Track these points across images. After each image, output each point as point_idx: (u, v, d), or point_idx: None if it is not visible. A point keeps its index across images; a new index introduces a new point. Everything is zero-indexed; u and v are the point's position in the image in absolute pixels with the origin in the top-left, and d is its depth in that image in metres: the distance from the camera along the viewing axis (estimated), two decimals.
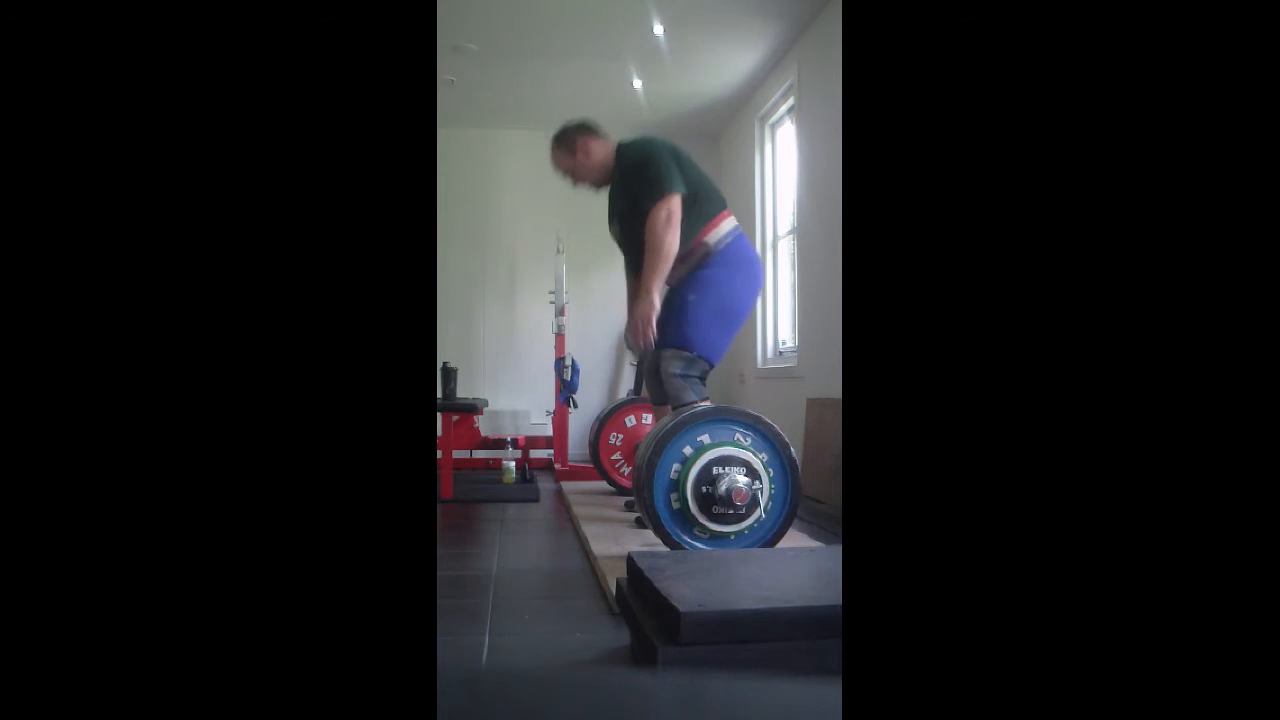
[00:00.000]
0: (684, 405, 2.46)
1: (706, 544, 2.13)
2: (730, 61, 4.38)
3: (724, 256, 2.65)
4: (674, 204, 2.52)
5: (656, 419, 2.76)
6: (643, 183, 2.61)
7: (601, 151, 2.78)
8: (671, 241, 2.50)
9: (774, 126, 4.77)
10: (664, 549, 2.09)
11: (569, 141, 2.81)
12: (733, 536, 2.14)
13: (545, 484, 4.22)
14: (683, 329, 2.60)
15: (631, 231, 2.65)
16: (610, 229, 2.85)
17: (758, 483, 2.13)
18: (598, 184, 2.85)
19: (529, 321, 5.36)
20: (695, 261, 2.63)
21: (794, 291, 4.19)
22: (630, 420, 3.69)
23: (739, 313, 2.70)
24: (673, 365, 2.58)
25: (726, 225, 2.69)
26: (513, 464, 4.16)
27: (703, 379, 2.63)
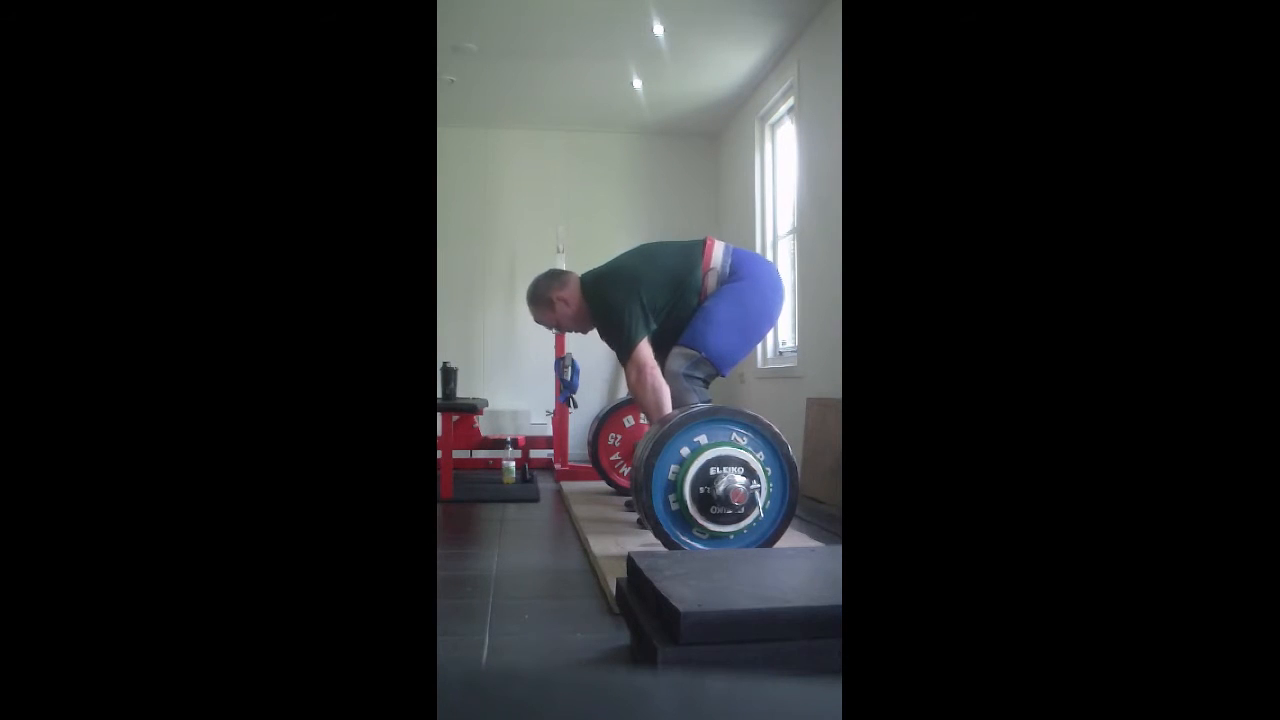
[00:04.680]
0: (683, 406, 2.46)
1: (705, 544, 2.13)
2: (730, 61, 4.38)
3: (742, 271, 2.67)
4: (641, 356, 2.57)
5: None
6: (611, 338, 2.66)
7: (575, 294, 2.78)
8: (649, 394, 2.55)
9: (774, 126, 4.77)
10: (664, 549, 2.09)
11: (545, 299, 2.80)
12: (731, 536, 2.14)
13: (545, 484, 4.22)
14: (695, 329, 2.61)
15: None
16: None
17: (755, 482, 2.13)
18: (583, 328, 2.86)
19: (529, 321, 5.34)
20: (715, 284, 2.66)
21: (794, 291, 4.20)
22: (629, 420, 3.69)
23: (756, 325, 2.71)
24: (678, 364, 2.59)
25: (718, 250, 2.70)
26: (513, 464, 4.16)
27: (706, 383, 2.63)
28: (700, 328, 2.61)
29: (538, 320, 2.88)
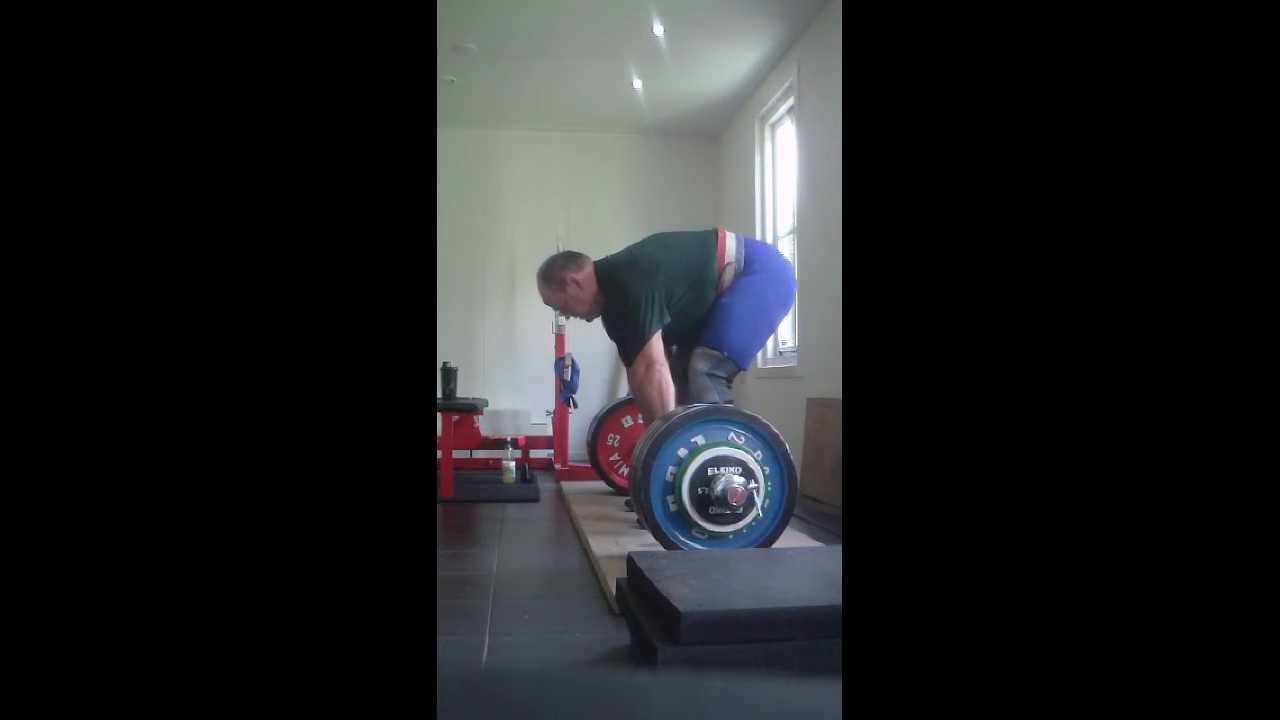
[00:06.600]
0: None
1: (704, 544, 2.13)
2: (730, 61, 4.38)
3: (757, 264, 2.67)
4: (652, 351, 2.55)
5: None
6: (624, 326, 2.63)
7: (589, 278, 2.76)
8: (655, 390, 2.53)
9: (774, 126, 4.77)
10: (664, 549, 2.09)
11: (557, 278, 2.77)
12: (730, 536, 2.13)
13: (545, 484, 4.22)
14: (716, 328, 2.61)
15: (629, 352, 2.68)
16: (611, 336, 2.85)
17: (753, 482, 2.12)
18: (590, 315, 2.83)
19: (529, 321, 5.36)
20: (731, 278, 2.65)
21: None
22: (628, 420, 3.69)
23: (770, 318, 2.72)
24: (701, 364, 2.59)
25: (731, 242, 2.70)
26: (513, 464, 4.16)
27: (729, 381, 2.64)
28: (721, 327, 2.61)
29: (545, 300, 2.86)
